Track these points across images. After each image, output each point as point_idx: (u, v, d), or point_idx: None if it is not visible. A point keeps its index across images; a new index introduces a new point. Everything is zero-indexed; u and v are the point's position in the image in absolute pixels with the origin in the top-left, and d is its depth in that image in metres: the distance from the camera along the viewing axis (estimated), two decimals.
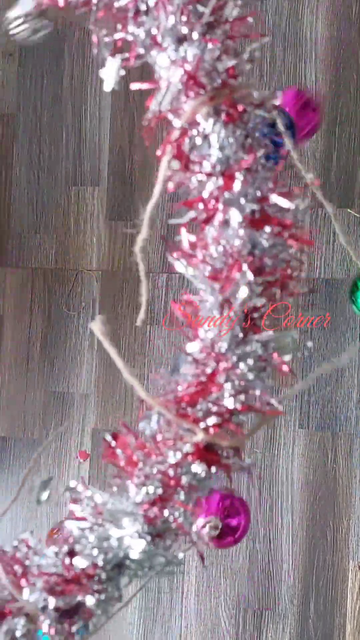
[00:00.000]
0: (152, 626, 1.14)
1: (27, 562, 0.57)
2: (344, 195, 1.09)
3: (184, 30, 0.49)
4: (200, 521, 0.72)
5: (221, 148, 0.50)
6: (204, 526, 0.71)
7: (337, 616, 1.08)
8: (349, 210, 1.09)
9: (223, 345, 0.54)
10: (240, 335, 0.53)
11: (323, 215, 1.11)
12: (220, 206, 0.51)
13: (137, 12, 0.50)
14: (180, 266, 0.54)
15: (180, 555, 0.56)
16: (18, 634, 0.55)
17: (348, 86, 1.10)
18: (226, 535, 0.74)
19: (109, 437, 0.56)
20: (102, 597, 0.55)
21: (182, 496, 0.53)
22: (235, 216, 0.51)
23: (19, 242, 1.20)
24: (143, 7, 0.50)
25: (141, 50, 0.51)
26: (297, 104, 0.70)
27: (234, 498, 0.74)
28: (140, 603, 1.15)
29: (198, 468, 0.53)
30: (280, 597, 1.09)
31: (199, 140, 0.50)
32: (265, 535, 1.11)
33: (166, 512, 0.54)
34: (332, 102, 1.10)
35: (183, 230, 0.54)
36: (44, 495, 0.62)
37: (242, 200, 0.50)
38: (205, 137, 0.50)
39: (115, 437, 0.56)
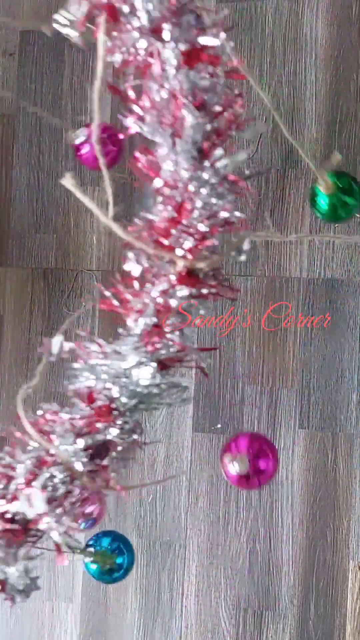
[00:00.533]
0: (152, 626, 1.14)
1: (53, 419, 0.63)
2: None
3: None
4: (228, 457, 0.74)
5: (148, 11, 0.58)
6: (231, 462, 0.73)
7: (337, 616, 1.08)
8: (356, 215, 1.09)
9: (183, 175, 0.59)
10: (197, 160, 0.59)
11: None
12: (156, 60, 0.58)
13: None
14: (134, 126, 0.60)
15: (185, 382, 0.62)
16: (56, 480, 0.60)
17: (348, 86, 1.10)
18: (254, 477, 0.76)
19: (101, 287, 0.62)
20: (125, 427, 0.61)
21: (174, 320, 0.60)
22: (170, 58, 0.57)
23: (19, 242, 1.20)
24: None
25: None
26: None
27: (263, 441, 0.77)
28: (140, 603, 1.15)
29: (183, 292, 0.59)
30: (280, 597, 1.09)
31: (126, 8, 0.58)
32: (265, 535, 1.11)
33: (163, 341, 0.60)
34: (332, 102, 1.10)
35: (130, 90, 0.61)
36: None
37: (173, 45, 0.57)
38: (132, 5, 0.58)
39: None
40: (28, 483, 0.61)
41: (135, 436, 0.63)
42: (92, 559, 0.83)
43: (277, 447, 0.87)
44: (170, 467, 1.14)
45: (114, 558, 0.83)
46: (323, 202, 0.89)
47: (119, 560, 0.86)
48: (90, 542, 0.87)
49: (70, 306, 1.19)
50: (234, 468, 0.75)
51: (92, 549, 0.86)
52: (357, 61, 1.10)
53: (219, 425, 1.13)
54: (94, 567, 0.86)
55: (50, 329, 1.20)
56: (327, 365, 1.10)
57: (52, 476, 0.60)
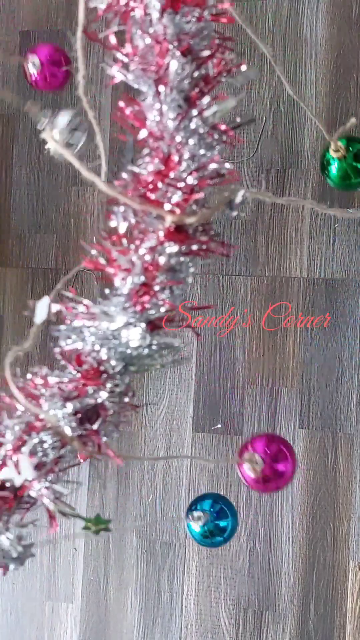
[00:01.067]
0: (152, 626, 1.14)
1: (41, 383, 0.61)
2: (344, 194, 1.09)
3: None
4: (245, 456, 0.71)
5: None
6: (245, 462, 0.70)
7: (337, 616, 1.08)
8: (348, 210, 1.09)
9: (169, 125, 0.56)
10: (184, 109, 0.55)
11: (323, 216, 1.11)
12: (138, 3, 0.55)
13: None
14: (118, 74, 0.57)
15: (176, 342, 0.59)
16: (46, 445, 0.58)
17: (348, 86, 1.10)
18: (272, 480, 0.73)
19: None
20: (115, 390, 0.59)
21: (163, 278, 0.57)
22: (153, 1, 0.54)
23: (19, 242, 1.20)
24: None
25: None
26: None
27: (282, 443, 0.74)
28: (140, 603, 1.15)
29: (172, 248, 0.56)
30: (280, 597, 1.09)
31: None
32: (265, 535, 1.11)
33: (153, 301, 0.57)
34: (332, 101, 1.10)
35: (111, 36, 0.57)
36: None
37: None
38: None
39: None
40: (17, 449, 0.59)
41: (126, 399, 0.60)
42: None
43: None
44: (171, 467, 1.14)
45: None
46: (334, 168, 0.88)
47: (222, 523, 0.83)
48: (193, 506, 0.83)
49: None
50: (250, 471, 0.73)
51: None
52: (357, 61, 1.10)
53: (219, 425, 1.13)
54: (197, 529, 0.82)
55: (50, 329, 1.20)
56: (327, 365, 1.10)
57: (42, 441, 0.58)
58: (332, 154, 0.86)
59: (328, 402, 1.09)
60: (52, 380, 0.61)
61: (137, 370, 0.60)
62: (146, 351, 0.59)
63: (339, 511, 1.09)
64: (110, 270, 0.58)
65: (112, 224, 0.57)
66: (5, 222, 1.19)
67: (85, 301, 0.59)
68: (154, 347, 0.58)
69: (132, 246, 0.57)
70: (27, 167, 1.21)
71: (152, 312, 0.58)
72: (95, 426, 0.59)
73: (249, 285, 1.12)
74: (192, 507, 0.82)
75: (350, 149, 0.87)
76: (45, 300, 0.61)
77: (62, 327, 0.60)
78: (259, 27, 1.13)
